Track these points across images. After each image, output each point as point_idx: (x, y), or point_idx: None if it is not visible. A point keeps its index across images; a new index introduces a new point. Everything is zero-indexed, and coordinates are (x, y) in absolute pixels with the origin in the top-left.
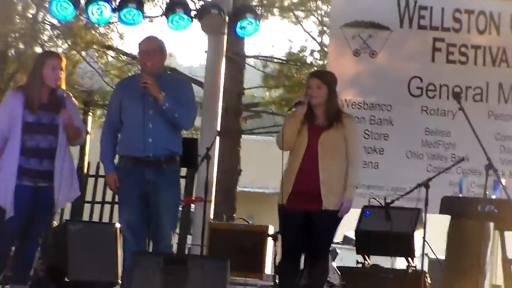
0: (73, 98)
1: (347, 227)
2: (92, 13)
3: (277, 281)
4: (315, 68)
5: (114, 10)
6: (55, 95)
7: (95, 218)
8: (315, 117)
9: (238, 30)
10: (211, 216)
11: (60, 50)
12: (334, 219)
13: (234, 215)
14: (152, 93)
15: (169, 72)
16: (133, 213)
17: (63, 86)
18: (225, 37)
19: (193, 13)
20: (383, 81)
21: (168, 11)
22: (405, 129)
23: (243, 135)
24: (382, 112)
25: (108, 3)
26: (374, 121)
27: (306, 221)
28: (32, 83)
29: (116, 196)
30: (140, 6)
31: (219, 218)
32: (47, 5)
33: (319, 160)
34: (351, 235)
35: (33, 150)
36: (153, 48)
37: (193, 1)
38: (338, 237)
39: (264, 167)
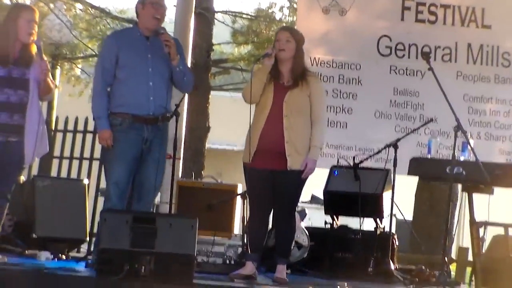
0: (43, 55)
1: (315, 186)
2: None
3: (245, 240)
4: (284, 25)
5: None
6: (26, 47)
7: (63, 174)
8: (280, 75)
9: None
10: (180, 174)
11: (27, 2)
12: (299, 179)
13: (202, 172)
14: (172, 53)
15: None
16: (125, 172)
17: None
18: None
19: None
20: (352, 40)
21: None
22: (373, 88)
23: (212, 92)
24: (351, 71)
25: None
26: (342, 80)
27: (272, 180)
28: (4, 36)
29: (85, 152)
30: None
31: (188, 176)
32: None
33: (284, 119)
34: (319, 194)
35: (3, 104)
36: (163, 4)
37: None
38: (305, 196)
39: (232, 124)
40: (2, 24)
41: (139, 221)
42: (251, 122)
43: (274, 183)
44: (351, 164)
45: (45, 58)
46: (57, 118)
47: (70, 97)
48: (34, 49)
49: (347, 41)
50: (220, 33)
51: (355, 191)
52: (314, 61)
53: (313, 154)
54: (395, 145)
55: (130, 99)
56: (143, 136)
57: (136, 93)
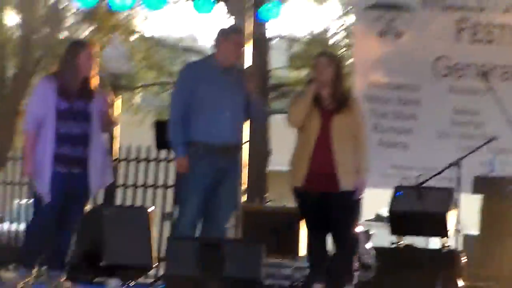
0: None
1: (380, 205)
2: None
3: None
4: (340, 48)
5: None
6: (87, 81)
7: (128, 202)
8: (322, 99)
9: (262, 13)
10: (244, 198)
11: (84, 35)
12: (352, 199)
13: (265, 196)
14: (252, 86)
15: None
16: (198, 200)
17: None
18: (250, 20)
19: None
20: (409, 62)
21: None
22: (433, 109)
23: (272, 115)
24: (409, 92)
25: None
26: (401, 102)
27: (325, 202)
28: (67, 71)
29: (148, 180)
30: None
31: (251, 200)
32: None
33: (333, 142)
34: (383, 212)
35: (66, 137)
36: (243, 42)
37: None
38: (370, 215)
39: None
40: (63, 61)
41: (207, 247)
42: (296, 147)
43: (328, 205)
44: (415, 184)
45: (105, 87)
46: (120, 147)
47: (131, 126)
48: (96, 82)
49: (404, 63)
50: (277, 58)
51: (420, 210)
52: (372, 84)
53: (363, 176)
54: (458, 165)
55: (206, 129)
56: (217, 165)
57: (211, 123)
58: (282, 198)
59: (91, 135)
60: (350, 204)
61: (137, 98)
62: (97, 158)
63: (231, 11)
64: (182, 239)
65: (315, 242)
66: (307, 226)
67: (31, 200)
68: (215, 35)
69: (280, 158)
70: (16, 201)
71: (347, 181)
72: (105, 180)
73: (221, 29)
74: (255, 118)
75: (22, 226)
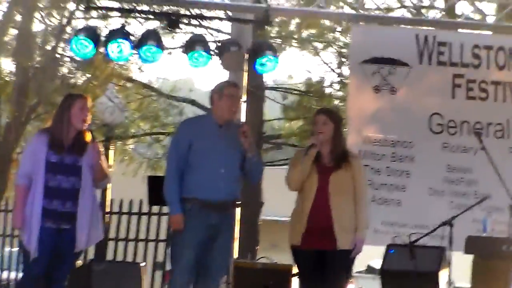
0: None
1: (370, 256)
2: (112, 51)
3: None
4: (335, 100)
5: (133, 47)
6: (80, 135)
7: (119, 255)
8: (321, 156)
9: (257, 67)
10: (235, 252)
11: (79, 83)
12: (348, 258)
13: (257, 247)
14: (249, 143)
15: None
16: (191, 256)
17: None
18: (245, 73)
19: (212, 50)
20: (404, 118)
21: (188, 48)
22: (426, 166)
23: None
24: (403, 149)
25: (128, 41)
26: (395, 158)
27: (321, 260)
28: (58, 124)
29: (140, 234)
30: (159, 43)
31: (243, 253)
32: (66, 38)
33: (331, 200)
34: (375, 264)
35: (55, 191)
36: (240, 95)
37: (213, 36)
38: (361, 266)
39: (285, 195)
40: (56, 113)
41: None
42: (296, 205)
43: (324, 262)
44: (407, 242)
45: (97, 141)
46: (112, 200)
47: (124, 176)
48: (88, 137)
49: (399, 119)
50: (271, 107)
51: (411, 269)
52: (366, 140)
53: (361, 234)
54: (450, 223)
55: (201, 185)
56: (211, 221)
57: (206, 179)
58: (273, 247)
59: (82, 190)
60: (346, 263)
61: (130, 149)
62: (87, 214)
63: (225, 66)
64: None
65: None
66: (302, 283)
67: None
68: (210, 92)
69: (273, 208)
70: (7, 249)
71: (344, 240)
72: (95, 237)
73: (216, 85)
74: (250, 175)
75: (13, 275)
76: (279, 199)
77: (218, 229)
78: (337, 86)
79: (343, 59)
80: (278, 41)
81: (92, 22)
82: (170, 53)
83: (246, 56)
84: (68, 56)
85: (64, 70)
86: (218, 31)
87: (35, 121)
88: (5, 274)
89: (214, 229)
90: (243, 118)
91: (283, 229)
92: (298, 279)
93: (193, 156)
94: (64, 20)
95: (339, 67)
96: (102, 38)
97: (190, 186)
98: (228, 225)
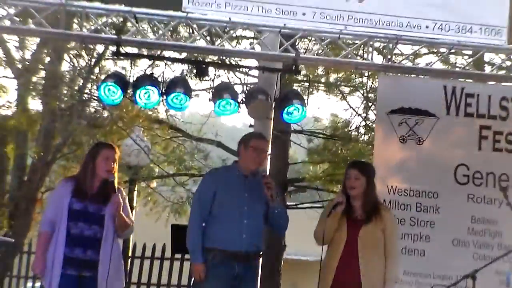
0: (123, 191)
1: None
2: (140, 97)
3: None
4: (360, 144)
5: (161, 94)
6: (105, 184)
7: None
8: (353, 209)
9: (284, 116)
10: None
11: (105, 123)
12: None
13: None
14: (272, 195)
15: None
16: None
17: (116, 175)
18: (272, 122)
19: (240, 98)
20: (429, 168)
21: (215, 96)
22: (451, 216)
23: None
24: (428, 199)
25: (156, 88)
26: (420, 208)
27: None
28: (84, 172)
29: (162, 279)
30: (187, 91)
31: None
32: (93, 78)
33: (359, 254)
34: None
35: (77, 238)
36: (265, 149)
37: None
38: None
39: (307, 234)
40: (84, 161)
41: None
42: (324, 257)
43: None
44: None
45: (120, 191)
46: (134, 244)
47: (148, 219)
48: (114, 185)
49: (424, 170)
50: (297, 151)
51: None
52: (391, 189)
53: (389, 287)
54: (473, 276)
55: (223, 235)
56: (233, 272)
57: (229, 230)
58: (293, 286)
59: (104, 239)
60: None
61: (154, 193)
62: (108, 263)
63: (252, 114)
64: None
65: None
66: None
67: None
68: (238, 142)
69: (294, 247)
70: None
71: None
72: (116, 286)
73: (242, 137)
74: (276, 226)
75: None
76: (300, 238)
77: (241, 280)
78: (362, 130)
79: (370, 103)
80: (305, 85)
81: (120, 63)
82: (197, 95)
83: (273, 104)
84: (95, 97)
85: (91, 110)
86: (246, 73)
87: (60, 161)
88: None
89: (237, 280)
90: (268, 166)
91: (304, 269)
92: None
93: (216, 206)
94: (92, 61)
95: (365, 112)
96: (130, 85)
97: (212, 236)
98: (251, 276)
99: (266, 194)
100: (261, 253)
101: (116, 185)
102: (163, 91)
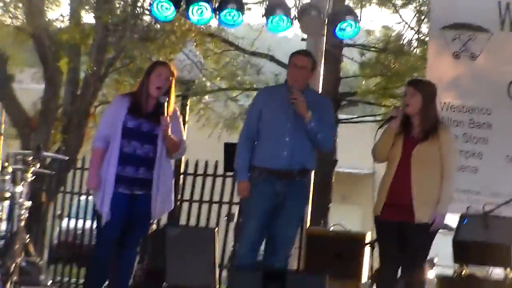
0: (178, 112)
1: None
2: (193, 13)
3: None
4: (412, 57)
5: (214, 10)
6: (158, 103)
7: (193, 217)
8: (411, 127)
9: (337, 32)
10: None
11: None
12: (427, 232)
13: (330, 205)
14: (300, 111)
15: (311, 89)
16: (256, 224)
17: (172, 97)
18: (324, 38)
19: (292, 14)
20: (483, 85)
21: (268, 13)
22: (505, 133)
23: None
24: (481, 115)
25: (209, 4)
26: (473, 124)
27: (401, 232)
28: (139, 89)
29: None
30: (240, 7)
31: (315, 214)
32: None
33: (412, 173)
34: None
35: (129, 157)
36: (306, 65)
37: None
38: None
39: (357, 147)
40: (141, 80)
41: (269, 279)
42: (383, 176)
43: (403, 235)
44: (481, 212)
45: (181, 118)
46: (187, 161)
47: (200, 135)
48: (170, 107)
49: (477, 86)
50: (348, 65)
51: (485, 240)
52: (444, 106)
53: (442, 208)
54: None
55: (265, 153)
56: (276, 190)
57: (271, 147)
58: (343, 199)
59: (157, 159)
60: (425, 237)
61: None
62: (160, 184)
63: (305, 30)
64: (245, 271)
65: (385, 270)
66: (381, 255)
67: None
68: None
69: (345, 160)
70: (83, 198)
71: (422, 213)
72: (165, 207)
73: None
74: (316, 142)
75: (80, 223)
76: (352, 152)
77: (285, 197)
78: (415, 44)
79: (422, 17)
80: None
81: None
82: (249, 8)
83: (326, 20)
84: (147, 10)
85: (143, 24)
86: None
87: (113, 75)
88: (72, 223)
89: (280, 198)
90: (320, 85)
91: (355, 182)
92: (378, 249)
93: (262, 124)
94: None
95: (418, 25)
96: (183, 0)
97: (258, 154)
98: (296, 194)
99: (295, 109)
100: (309, 170)
101: (168, 106)
102: (216, 7)
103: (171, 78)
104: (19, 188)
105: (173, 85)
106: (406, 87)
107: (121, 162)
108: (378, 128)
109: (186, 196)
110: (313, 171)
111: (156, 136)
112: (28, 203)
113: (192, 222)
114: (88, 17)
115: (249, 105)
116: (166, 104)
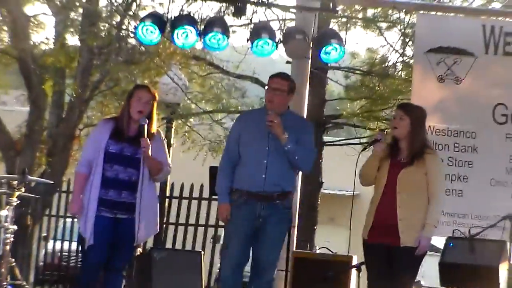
0: (162, 134)
1: None
2: (178, 37)
3: None
4: (397, 80)
5: (199, 34)
6: (140, 127)
7: (179, 240)
8: (399, 151)
9: (322, 55)
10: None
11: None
12: (413, 255)
13: (315, 227)
14: (276, 133)
15: (291, 111)
16: (237, 247)
17: (155, 119)
18: (309, 61)
19: (277, 37)
20: (468, 108)
21: (253, 36)
22: (489, 156)
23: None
24: (466, 139)
25: (194, 27)
26: (458, 148)
27: (389, 254)
28: (122, 114)
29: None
30: (225, 31)
31: (301, 235)
32: (131, 15)
33: (397, 197)
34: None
35: (112, 181)
36: (280, 87)
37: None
38: None
39: (344, 169)
40: (123, 104)
41: None
42: (371, 199)
43: (390, 258)
44: (467, 235)
45: (164, 139)
46: (172, 184)
47: (185, 158)
48: (152, 129)
49: (462, 109)
50: (333, 87)
51: (471, 262)
52: (429, 129)
53: (427, 232)
54: (511, 218)
55: (245, 176)
56: (256, 212)
57: (250, 170)
58: (331, 221)
59: (140, 182)
60: (411, 260)
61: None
62: (144, 207)
63: (290, 54)
64: None
65: None
66: (369, 278)
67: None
68: None
69: (332, 182)
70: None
71: (407, 237)
72: (150, 230)
73: None
74: (294, 163)
75: (66, 245)
76: (338, 173)
77: (265, 221)
78: (400, 66)
79: (407, 39)
80: (343, 20)
81: None
82: (234, 31)
83: (311, 43)
84: (132, 33)
85: (128, 46)
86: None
87: (98, 97)
88: (66, 245)
89: (260, 221)
90: (305, 108)
91: (342, 203)
92: (367, 272)
93: (241, 148)
94: None
95: (402, 47)
96: (168, 24)
97: (238, 177)
98: (277, 217)
99: (271, 132)
100: (289, 193)
101: (150, 128)
102: (201, 31)
103: (151, 101)
104: (4, 212)
105: (154, 108)
106: (395, 110)
107: (103, 186)
108: (361, 151)
109: (172, 219)
110: (296, 193)
111: (138, 160)
112: (14, 227)
113: (178, 245)
114: (73, 40)
115: (231, 130)
116: (146, 125)
